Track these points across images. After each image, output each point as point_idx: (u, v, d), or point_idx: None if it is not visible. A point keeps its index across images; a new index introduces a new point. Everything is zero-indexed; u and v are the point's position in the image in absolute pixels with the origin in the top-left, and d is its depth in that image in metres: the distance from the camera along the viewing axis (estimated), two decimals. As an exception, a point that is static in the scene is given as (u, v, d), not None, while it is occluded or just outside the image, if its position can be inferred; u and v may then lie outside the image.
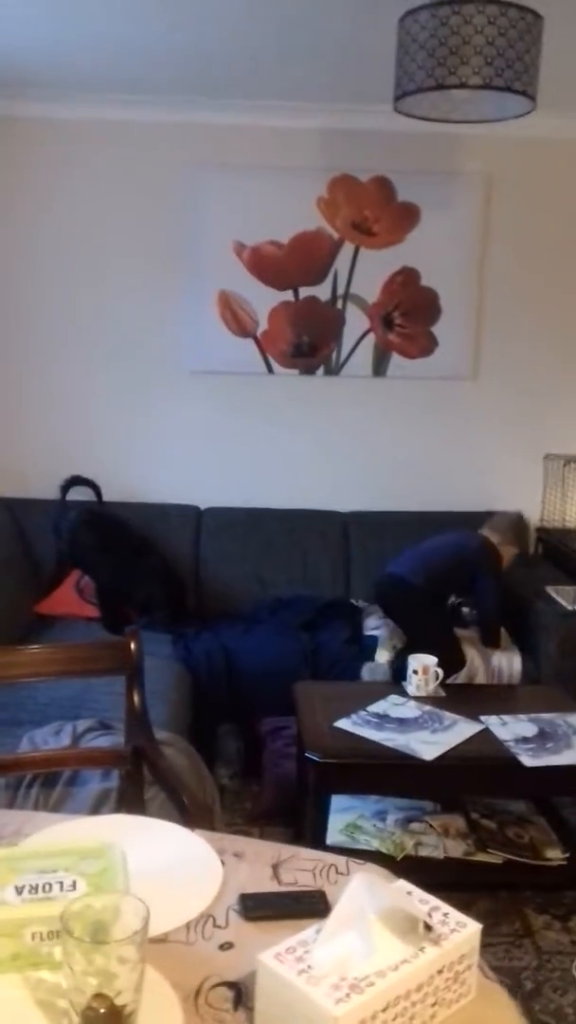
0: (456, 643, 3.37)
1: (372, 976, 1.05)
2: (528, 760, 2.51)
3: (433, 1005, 1.10)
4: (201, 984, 1.16)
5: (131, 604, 3.68)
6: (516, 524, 3.92)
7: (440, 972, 1.09)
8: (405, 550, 3.57)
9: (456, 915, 1.16)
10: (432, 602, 3.44)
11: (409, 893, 1.20)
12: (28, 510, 3.92)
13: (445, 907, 1.18)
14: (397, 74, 2.38)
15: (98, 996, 1.02)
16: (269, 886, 1.38)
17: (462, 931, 1.13)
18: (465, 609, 3.58)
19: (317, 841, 2.59)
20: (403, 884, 1.23)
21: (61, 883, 1.24)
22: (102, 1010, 1.02)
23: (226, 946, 1.24)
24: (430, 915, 1.14)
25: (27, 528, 3.90)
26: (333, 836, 2.72)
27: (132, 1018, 1.03)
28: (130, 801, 2.11)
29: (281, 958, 1.08)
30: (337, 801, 2.89)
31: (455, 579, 3.48)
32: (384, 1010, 1.04)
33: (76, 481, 3.92)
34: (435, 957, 1.08)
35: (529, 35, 2.28)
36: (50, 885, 1.23)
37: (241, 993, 1.14)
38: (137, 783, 2.12)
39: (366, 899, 1.10)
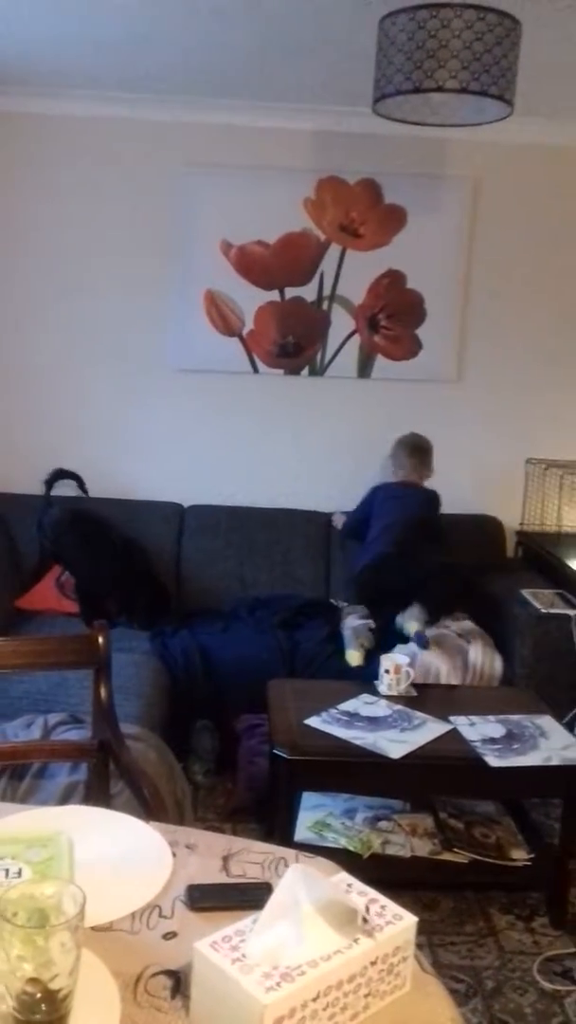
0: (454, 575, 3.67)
1: (304, 966, 1.06)
2: (493, 760, 2.52)
3: (366, 996, 1.11)
4: (142, 972, 1.18)
5: (110, 602, 3.69)
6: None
7: (374, 963, 1.11)
8: (365, 545, 3.82)
9: (393, 908, 1.18)
10: (416, 562, 3.66)
11: (349, 886, 1.22)
12: (11, 505, 3.93)
13: (383, 900, 1.19)
14: (376, 76, 2.40)
15: (32, 980, 1.03)
16: (218, 878, 1.40)
17: (398, 924, 1.15)
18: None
19: (285, 838, 2.61)
20: (344, 876, 1.25)
21: (7, 871, 1.25)
22: (37, 994, 1.04)
23: (169, 936, 1.26)
24: (367, 907, 1.16)
25: (10, 523, 3.91)
26: (302, 833, 2.74)
27: (67, 1002, 1.05)
28: (97, 795, 2.12)
29: (216, 947, 1.10)
30: (308, 799, 2.91)
31: (425, 535, 3.76)
32: (315, 999, 1.05)
33: (61, 475, 3.93)
34: (368, 949, 1.10)
35: (507, 40, 2.30)
36: (-5, 872, 1.25)
37: (179, 981, 1.16)
38: (104, 777, 2.13)
39: (301, 890, 1.12)
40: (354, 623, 3.56)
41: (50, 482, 3.90)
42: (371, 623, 3.54)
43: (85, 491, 3.99)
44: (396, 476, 3.98)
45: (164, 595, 3.85)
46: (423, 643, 3.38)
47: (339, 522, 4.06)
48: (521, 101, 2.49)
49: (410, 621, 3.50)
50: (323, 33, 2.99)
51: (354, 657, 3.37)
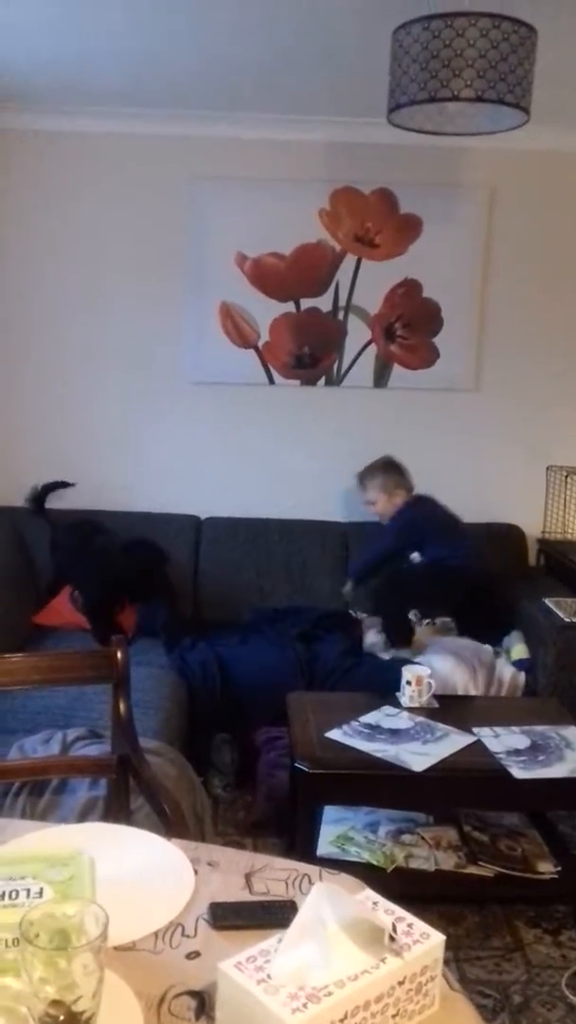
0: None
1: (331, 986, 1.04)
2: (519, 773, 2.49)
3: (394, 1016, 1.09)
4: (165, 993, 1.16)
5: (123, 618, 3.68)
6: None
7: (401, 983, 1.09)
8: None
9: (420, 926, 1.16)
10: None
11: (375, 903, 1.20)
12: (28, 520, 3.94)
13: (410, 918, 1.17)
14: (391, 86, 2.39)
15: (55, 1003, 1.02)
16: (240, 896, 1.38)
17: (425, 942, 1.13)
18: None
19: (307, 852, 2.58)
20: (369, 894, 1.23)
21: (28, 890, 1.24)
22: (60, 1017, 1.02)
23: (193, 955, 1.24)
24: (394, 926, 1.14)
25: (27, 538, 3.91)
26: (324, 847, 2.71)
27: (90, 1025, 1.04)
28: (116, 810, 2.11)
29: (241, 967, 1.08)
30: (329, 812, 2.88)
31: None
32: (342, 1020, 1.04)
33: (49, 488, 3.93)
34: (396, 968, 1.08)
35: (522, 48, 2.28)
36: (16, 892, 1.23)
37: (204, 1002, 1.14)
38: (124, 792, 2.12)
39: (326, 909, 1.10)
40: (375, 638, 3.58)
41: (39, 499, 3.90)
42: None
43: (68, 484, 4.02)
44: (404, 496, 3.92)
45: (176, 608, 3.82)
46: (524, 667, 3.46)
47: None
48: (536, 108, 2.48)
49: (517, 645, 3.57)
50: (336, 45, 2.99)
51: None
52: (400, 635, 3.66)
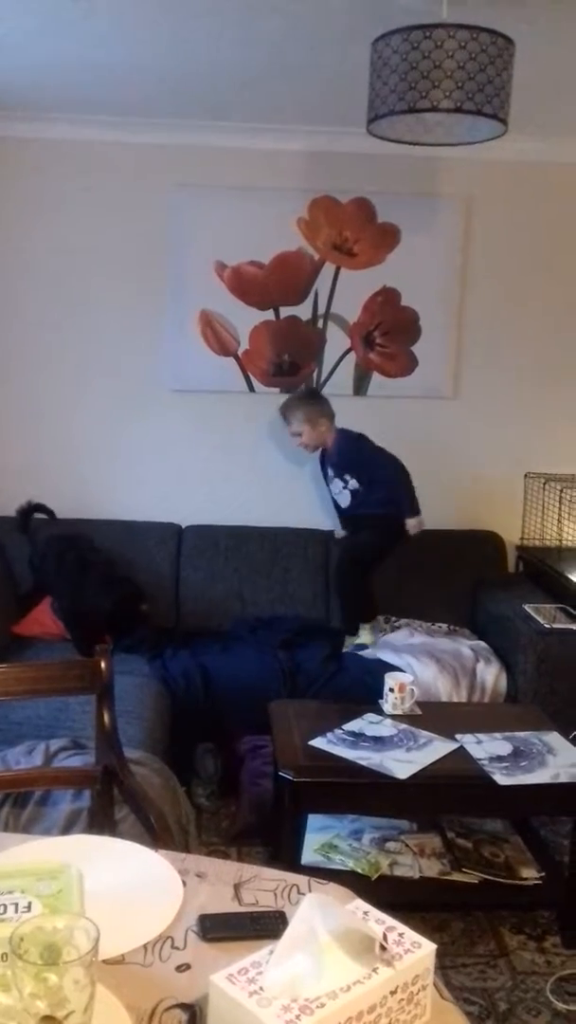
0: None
1: (323, 998, 1.04)
2: (502, 779, 2.50)
3: (386, 1026, 1.09)
4: (156, 1006, 1.16)
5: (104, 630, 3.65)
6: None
7: (393, 993, 1.09)
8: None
9: (411, 935, 1.16)
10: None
11: (365, 913, 1.20)
12: (6, 528, 3.91)
13: (401, 927, 1.17)
14: (370, 97, 2.41)
15: (46, 1018, 1.01)
16: (230, 906, 1.38)
17: (417, 951, 1.13)
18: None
19: (292, 861, 2.58)
20: (359, 904, 1.23)
21: (16, 904, 1.23)
22: (51, 1033, 1.02)
23: (183, 968, 1.24)
24: (385, 935, 1.14)
25: (6, 547, 3.89)
26: (308, 855, 2.71)
27: (81, 1040, 1.03)
28: (101, 821, 2.10)
29: (233, 979, 1.08)
30: (314, 820, 2.88)
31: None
32: (335, 1032, 1.03)
33: (34, 509, 3.89)
34: (388, 978, 1.08)
35: (500, 59, 2.31)
36: (5, 907, 1.23)
37: (195, 1015, 1.14)
38: (108, 803, 2.11)
39: (317, 920, 1.10)
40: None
41: (25, 515, 3.87)
42: None
43: (55, 519, 3.95)
44: (327, 424, 3.80)
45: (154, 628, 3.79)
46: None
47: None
48: (513, 119, 2.50)
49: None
50: (315, 55, 3.01)
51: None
52: (363, 616, 3.73)
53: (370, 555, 3.74)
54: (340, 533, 4.00)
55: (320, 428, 3.78)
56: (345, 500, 3.81)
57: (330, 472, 3.85)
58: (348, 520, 3.90)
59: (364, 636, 3.70)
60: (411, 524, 3.67)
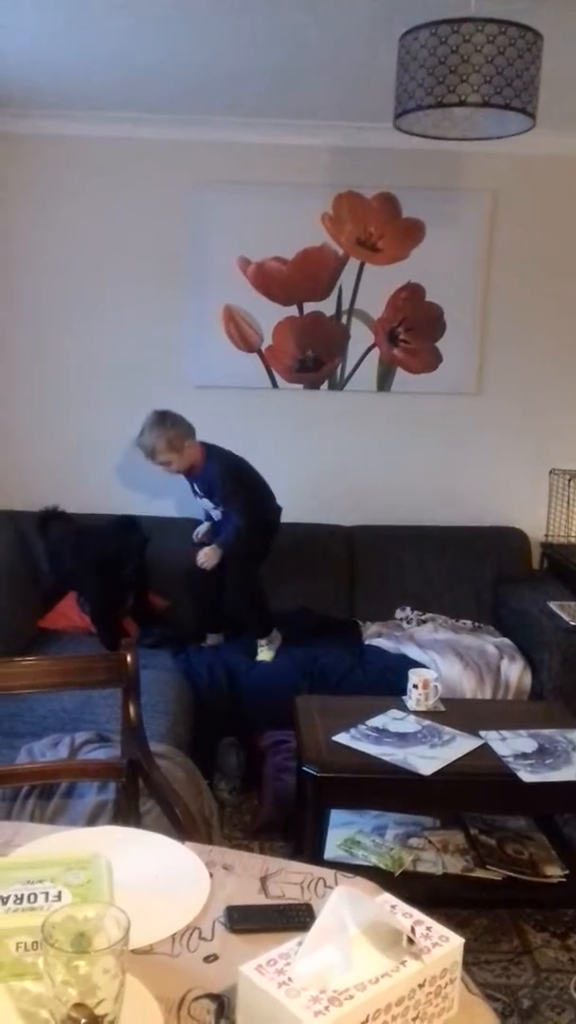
0: None
1: (352, 989, 1.05)
2: (527, 776, 2.49)
3: (414, 1019, 1.09)
4: (184, 996, 1.17)
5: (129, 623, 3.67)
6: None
7: (421, 986, 1.09)
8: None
9: (439, 929, 1.16)
10: None
11: (393, 907, 1.20)
12: (32, 523, 3.93)
13: (428, 921, 1.18)
14: (397, 92, 2.40)
15: (78, 1006, 1.02)
16: (256, 899, 1.38)
17: (444, 945, 1.13)
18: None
19: (315, 856, 2.58)
20: (387, 898, 1.23)
21: (46, 894, 1.24)
22: (82, 1020, 1.02)
23: (211, 958, 1.24)
24: (413, 929, 1.14)
25: (31, 541, 3.91)
26: (331, 851, 2.71)
27: (112, 1028, 1.04)
28: (126, 814, 2.11)
29: (262, 970, 1.08)
30: (337, 816, 2.88)
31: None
32: (364, 1023, 1.04)
33: (52, 516, 3.88)
34: (416, 971, 1.08)
35: (529, 53, 2.29)
36: (35, 896, 1.24)
37: (224, 1005, 1.14)
38: (133, 796, 2.12)
39: (347, 912, 1.10)
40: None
41: (43, 522, 3.86)
42: None
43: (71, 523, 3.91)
44: (194, 444, 3.63)
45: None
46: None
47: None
48: (539, 113, 2.48)
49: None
50: (341, 51, 3.00)
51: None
52: (265, 627, 3.62)
53: (253, 563, 3.64)
54: (201, 532, 3.78)
55: (188, 450, 3.57)
56: (218, 515, 3.69)
57: (197, 490, 3.70)
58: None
59: (264, 653, 3.58)
60: (207, 551, 3.57)
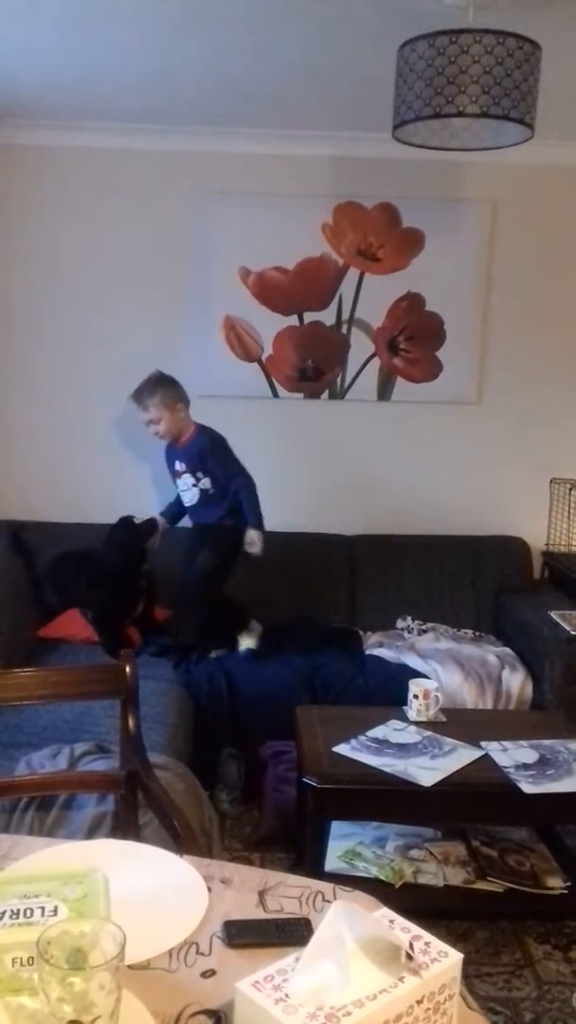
0: None
1: (350, 1006, 1.04)
2: (528, 787, 2.48)
3: (413, 1036, 1.08)
4: (181, 1012, 1.16)
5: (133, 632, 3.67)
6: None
7: (420, 1002, 1.08)
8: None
9: (438, 944, 1.15)
10: None
11: (391, 922, 1.19)
12: (33, 533, 3.93)
13: (427, 936, 1.17)
14: (396, 103, 2.41)
15: (73, 1023, 1.01)
16: (255, 913, 1.37)
17: (443, 961, 1.12)
18: None
19: (315, 867, 2.57)
20: (385, 912, 1.22)
21: (43, 908, 1.23)
22: (78, 1037, 1.02)
23: (208, 973, 1.24)
24: (411, 944, 1.13)
25: (32, 551, 3.91)
26: (332, 862, 2.70)
27: (107, 1045, 1.03)
28: (125, 826, 2.10)
29: (259, 986, 1.07)
30: (337, 827, 2.87)
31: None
32: (361, 1040, 1.03)
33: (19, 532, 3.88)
34: (415, 987, 1.07)
35: (527, 64, 2.30)
36: (31, 910, 1.23)
37: (220, 1021, 1.13)
38: (132, 807, 2.11)
39: (344, 928, 1.09)
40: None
41: (17, 541, 3.85)
42: None
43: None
44: (184, 410, 3.67)
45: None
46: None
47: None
48: (538, 124, 2.49)
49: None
50: (341, 61, 3.01)
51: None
52: (237, 625, 3.65)
53: (216, 572, 3.63)
54: (162, 521, 3.83)
55: (179, 415, 3.61)
56: (191, 498, 3.67)
57: (179, 466, 3.67)
58: (193, 528, 3.75)
59: (247, 641, 3.64)
60: (251, 536, 3.60)
